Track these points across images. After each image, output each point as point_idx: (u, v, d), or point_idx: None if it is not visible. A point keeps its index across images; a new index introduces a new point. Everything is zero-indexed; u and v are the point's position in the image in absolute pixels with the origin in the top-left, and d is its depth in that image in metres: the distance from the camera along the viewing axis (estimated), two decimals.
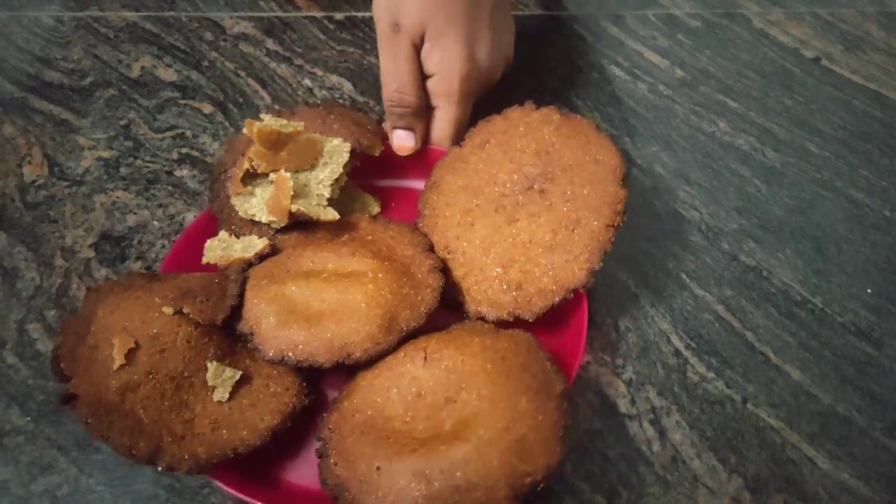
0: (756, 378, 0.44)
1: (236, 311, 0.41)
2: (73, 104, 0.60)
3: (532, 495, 0.33)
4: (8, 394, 0.44)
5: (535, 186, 0.43)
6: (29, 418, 0.43)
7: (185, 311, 0.40)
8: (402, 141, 0.50)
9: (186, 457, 0.37)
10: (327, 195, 0.45)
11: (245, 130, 0.45)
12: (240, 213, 0.45)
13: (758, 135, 0.57)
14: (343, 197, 0.49)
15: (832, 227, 0.52)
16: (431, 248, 0.45)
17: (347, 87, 0.61)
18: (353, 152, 0.46)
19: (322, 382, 0.43)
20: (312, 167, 0.45)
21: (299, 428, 0.40)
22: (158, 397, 0.39)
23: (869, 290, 0.48)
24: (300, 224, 0.45)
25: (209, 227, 0.47)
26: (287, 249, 0.45)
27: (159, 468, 0.36)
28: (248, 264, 0.44)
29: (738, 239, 0.51)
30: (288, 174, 0.44)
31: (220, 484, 0.37)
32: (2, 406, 0.43)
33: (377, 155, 0.49)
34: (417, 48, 0.49)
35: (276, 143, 0.44)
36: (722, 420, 0.43)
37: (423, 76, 0.50)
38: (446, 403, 0.36)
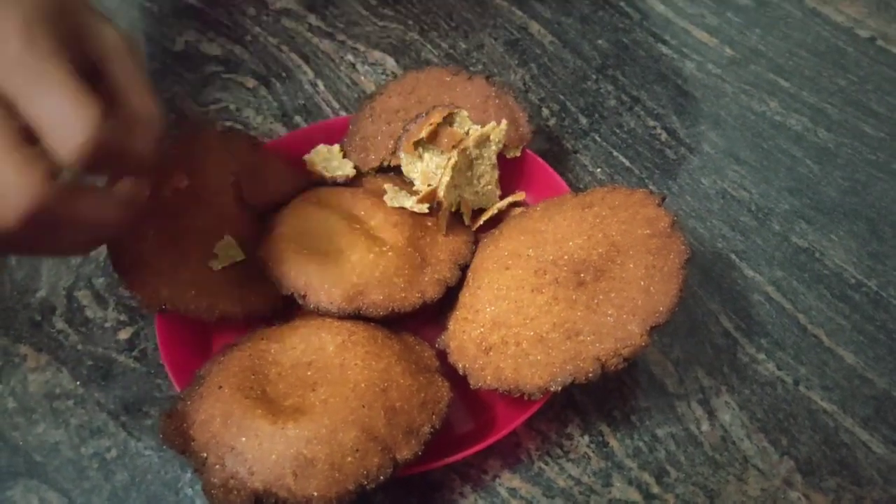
0: (808, 360, 0.43)
1: (275, 208, 0.44)
2: None
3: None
4: (58, 359, 0.44)
5: (583, 276, 0.38)
6: (78, 382, 0.43)
7: (241, 181, 0.43)
8: None
9: (146, 287, 0.39)
10: (491, 185, 0.46)
11: (458, 127, 0.45)
12: (404, 172, 0.46)
13: (810, 115, 0.55)
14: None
15: (888, 208, 0.50)
16: (463, 268, 0.43)
17: (390, 62, 0.60)
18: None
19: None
20: (476, 158, 0.45)
21: None
22: (170, 233, 0.41)
23: None
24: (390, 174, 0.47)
25: (331, 136, 0.49)
26: (351, 188, 0.46)
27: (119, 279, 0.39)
28: (323, 181, 0.46)
29: (789, 219, 0.50)
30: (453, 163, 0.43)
31: None
32: (52, 370, 0.44)
33: (508, 157, 0.48)
34: None
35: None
36: (773, 402, 0.42)
37: None
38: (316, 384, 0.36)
